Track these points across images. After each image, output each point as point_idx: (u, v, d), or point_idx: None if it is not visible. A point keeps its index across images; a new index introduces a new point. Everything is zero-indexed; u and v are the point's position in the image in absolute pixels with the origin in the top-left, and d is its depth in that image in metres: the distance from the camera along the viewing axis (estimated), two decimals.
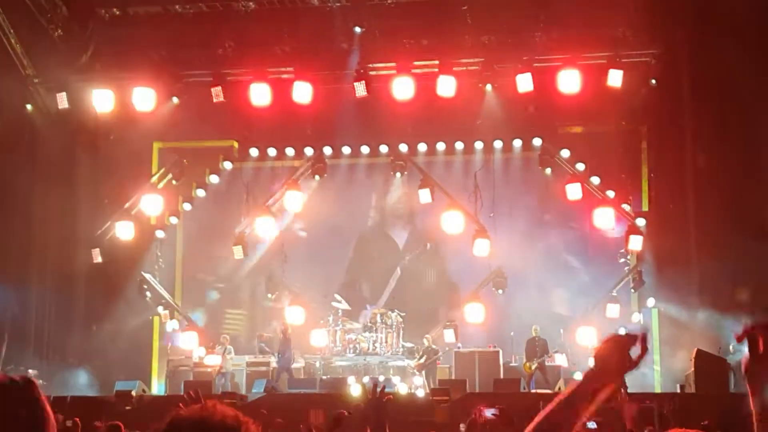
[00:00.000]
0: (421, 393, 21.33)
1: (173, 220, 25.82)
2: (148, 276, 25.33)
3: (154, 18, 23.83)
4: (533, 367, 22.05)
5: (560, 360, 23.06)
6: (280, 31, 23.65)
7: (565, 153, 24.53)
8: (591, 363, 2.82)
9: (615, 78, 22.17)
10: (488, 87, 23.39)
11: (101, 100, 23.41)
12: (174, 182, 25.55)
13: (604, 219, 23.62)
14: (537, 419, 2.78)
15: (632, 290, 24.22)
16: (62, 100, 23.42)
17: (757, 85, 21.32)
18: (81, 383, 22.82)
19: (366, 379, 22.09)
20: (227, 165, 26.07)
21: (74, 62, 24.02)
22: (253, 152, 26.00)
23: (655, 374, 23.36)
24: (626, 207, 24.01)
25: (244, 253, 24.50)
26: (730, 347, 20.44)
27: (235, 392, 21.21)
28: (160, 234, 25.62)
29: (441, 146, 25.56)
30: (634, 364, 2.78)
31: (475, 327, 23.43)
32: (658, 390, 22.00)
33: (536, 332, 22.68)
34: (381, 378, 22.36)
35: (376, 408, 4.95)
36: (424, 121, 24.22)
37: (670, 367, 22.74)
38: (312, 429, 10.52)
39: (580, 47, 22.37)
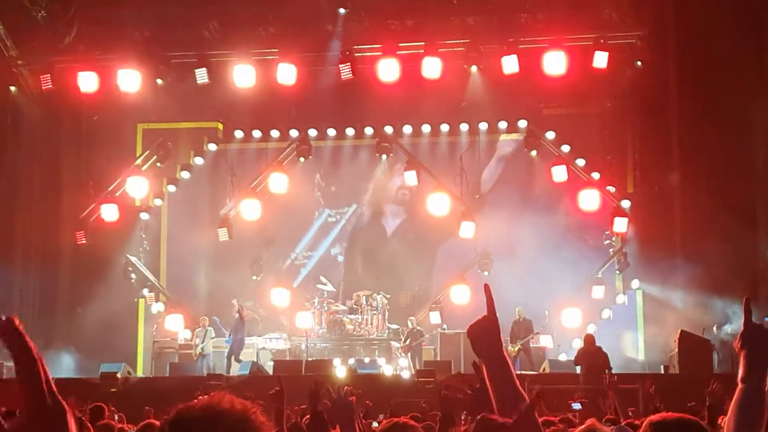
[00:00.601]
0: (406, 374, 21.40)
1: (158, 202, 25.76)
2: (133, 258, 25.26)
3: None
4: (516, 349, 22.08)
5: (545, 341, 23.13)
6: (265, 13, 23.55)
7: (551, 135, 24.55)
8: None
9: (600, 59, 22.16)
10: (474, 68, 23.37)
11: (85, 82, 23.27)
12: (158, 164, 25.44)
13: (590, 201, 23.64)
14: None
15: (617, 272, 24.30)
16: (46, 82, 23.30)
17: (743, 67, 21.37)
18: (66, 365, 22.73)
19: (352, 361, 22.14)
20: (212, 147, 25.99)
21: (58, 43, 23.87)
22: (238, 134, 25.93)
23: (640, 354, 23.48)
24: (611, 189, 24.03)
25: (230, 235, 24.42)
26: (713, 327, 20.60)
27: (221, 374, 21.18)
28: (144, 216, 25.55)
29: (426, 128, 25.56)
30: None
31: (460, 308, 23.45)
32: (641, 371, 22.07)
33: (520, 314, 22.63)
34: (366, 360, 22.43)
35: (342, 409, 4.90)
36: (409, 103, 24.18)
37: (654, 348, 22.85)
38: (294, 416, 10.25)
39: (565, 29, 22.33)
